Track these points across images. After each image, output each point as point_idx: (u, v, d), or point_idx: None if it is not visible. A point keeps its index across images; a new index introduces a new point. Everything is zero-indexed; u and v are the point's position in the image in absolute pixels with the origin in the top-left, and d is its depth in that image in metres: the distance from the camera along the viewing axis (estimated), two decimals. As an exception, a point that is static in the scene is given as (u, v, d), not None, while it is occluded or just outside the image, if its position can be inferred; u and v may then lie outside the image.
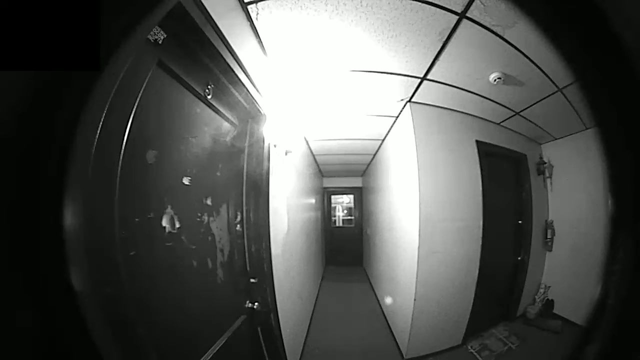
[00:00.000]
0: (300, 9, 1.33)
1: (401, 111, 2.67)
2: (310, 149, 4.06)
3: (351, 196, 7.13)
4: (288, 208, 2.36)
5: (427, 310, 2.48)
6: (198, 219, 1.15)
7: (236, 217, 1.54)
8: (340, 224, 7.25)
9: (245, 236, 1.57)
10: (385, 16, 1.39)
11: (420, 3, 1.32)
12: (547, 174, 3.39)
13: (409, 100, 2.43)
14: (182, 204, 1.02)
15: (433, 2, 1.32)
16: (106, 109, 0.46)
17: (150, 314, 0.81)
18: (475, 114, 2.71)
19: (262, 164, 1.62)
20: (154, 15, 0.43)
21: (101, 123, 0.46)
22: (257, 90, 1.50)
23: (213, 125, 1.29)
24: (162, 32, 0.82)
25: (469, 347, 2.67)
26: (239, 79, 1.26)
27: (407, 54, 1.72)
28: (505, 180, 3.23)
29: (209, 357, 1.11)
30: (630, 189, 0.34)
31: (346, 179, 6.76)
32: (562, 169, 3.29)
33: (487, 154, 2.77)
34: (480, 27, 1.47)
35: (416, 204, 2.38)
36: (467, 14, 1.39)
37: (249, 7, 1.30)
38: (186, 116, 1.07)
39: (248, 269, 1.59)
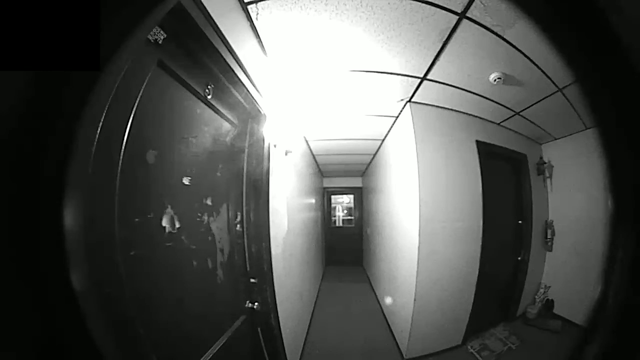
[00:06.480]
0: (300, 9, 1.33)
1: (401, 111, 2.67)
2: (310, 149, 4.06)
3: (351, 196, 7.13)
4: (288, 208, 2.36)
5: (427, 310, 2.48)
6: (198, 219, 1.15)
7: (236, 217, 1.54)
8: (340, 224, 7.25)
9: (245, 236, 1.57)
10: (385, 16, 1.39)
11: (420, 3, 1.32)
12: (547, 174, 3.39)
13: (409, 100, 2.43)
14: (182, 204, 1.02)
15: (433, 2, 1.32)
16: (106, 108, 0.46)
17: (150, 314, 0.81)
18: (475, 114, 2.71)
19: (262, 164, 1.62)
20: (154, 15, 0.43)
21: (101, 123, 0.46)
22: (257, 90, 1.50)
23: (213, 125, 1.29)
24: (162, 32, 0.82)
25: (469, 347, 2.67)
26: (239, 79, 1.26)
27: (407, 54, 1.72)
28: (505, 180, 3.24)
29: (209, 357, 1.11)
30: (630, 189, 0.34)
31: (346, 179, 6.76)
32: (562, 169, 3.29)
33: (487, 154, 2.77)
34: (480, 27, 1.47)
35: (416, 204, 2.38)
36: (467, 14, 1.38)
37: (249, 7, 1.30)
38: (186, 116, 1.07)
39: (248, 269, 1.59)
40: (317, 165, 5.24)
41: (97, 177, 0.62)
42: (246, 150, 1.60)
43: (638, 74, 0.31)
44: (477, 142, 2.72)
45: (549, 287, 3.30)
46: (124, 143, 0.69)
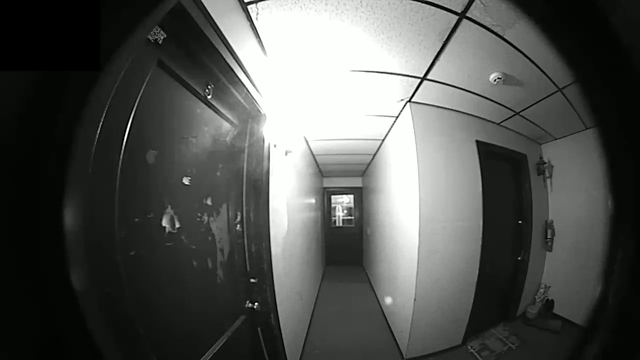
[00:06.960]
0: (300, 9, 1.33)
1: (401, 111, 2.67)
2: (310, 149, 4.06)
3: (351, 196, 7.13)
4: (288, 208, 2.36)
5: (427, 310, 2.48)
6: (198, 219, 1.15)
7: (236, 217, 1.54)
8: (340, 224, 7.25)
9: (245, 236, 1.57)
10: (385, 16, 1.39)
11: (420, 3, 1.32)
12: (547, 174, 3.39)
13: (409, 100, 2.43)
14: (182, 204, 1.02)
15: (433, 2, 1.32)
16: (106, 109, 0.46)
17: (150, 314, 0.81)
18: (475, 114, 2.71)
19: (262, 164, 1.62)
20: (154, 15, 0.43)
21: (101, 123, 0.46)
22: (257, 90, 1.50)
23: (213, 125, 1.29)
24: (162, 32, 0.82)
25: (469, 347, 2.67)
26: (239, 79, 1.26)
27: (407, 54, 1.72)
28: (505, 180, 3.23)
29: (209, 357, 1.11)
30: (630, 189, 0.34)
31: (346, 179, 6.76)
32: (562, 169, 3.29)
33: (487, 154, 2.77)
34: (480, 27, 1.47)
35: (416, 204, 2.38)
36: (467, 14, 1.38)
37: (249, 7, 1.30)
38: (186, 116, 1.07)
39: (248, 269, 1.59)
40: (317, 165, 5.24)
41: (97, 177, 0.62)
42: (246, 150, 1.60)
43: (638, 74, 0.31)
44: (477, 142, 2.71)
45: (549, 287, 3.30)
46: (124, 143, 0.69)
